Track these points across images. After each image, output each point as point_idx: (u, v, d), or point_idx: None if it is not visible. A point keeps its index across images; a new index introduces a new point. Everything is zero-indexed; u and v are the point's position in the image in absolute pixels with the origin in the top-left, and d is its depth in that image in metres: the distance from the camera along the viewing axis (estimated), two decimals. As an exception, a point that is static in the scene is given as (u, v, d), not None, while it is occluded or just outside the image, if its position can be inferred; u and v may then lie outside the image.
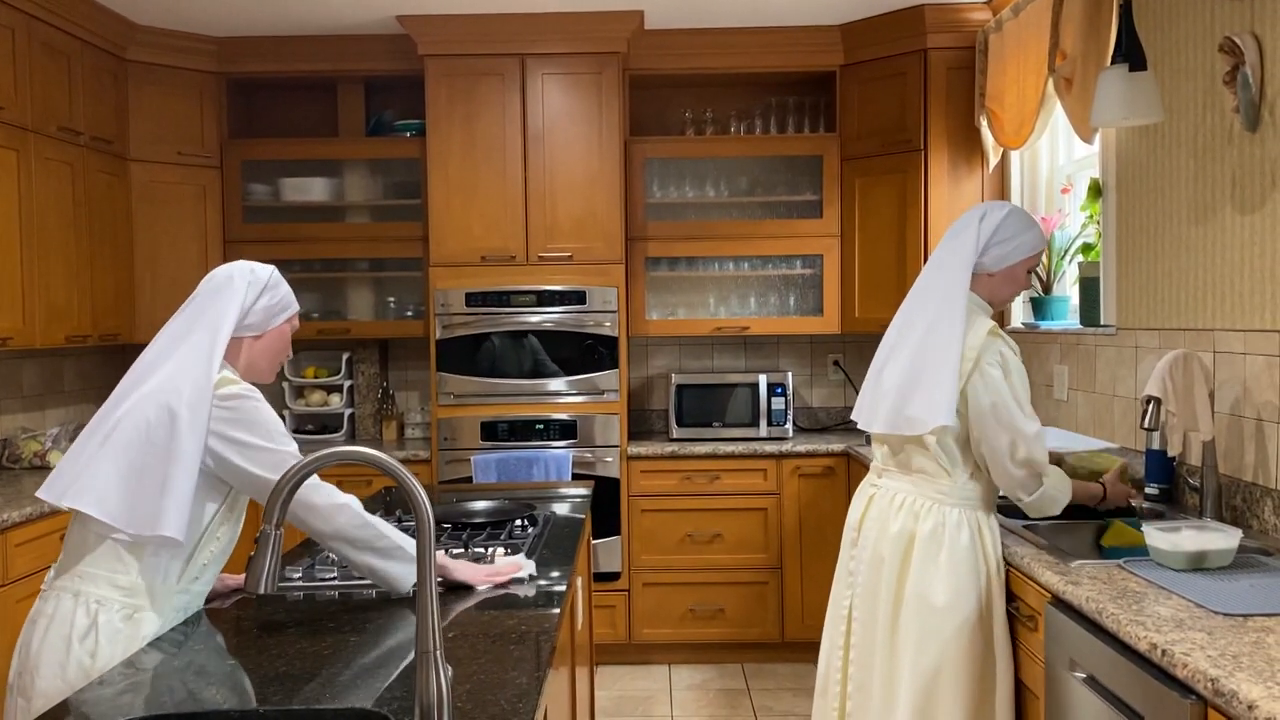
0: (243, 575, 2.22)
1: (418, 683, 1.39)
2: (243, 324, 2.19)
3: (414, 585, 2.10)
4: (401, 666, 1.77)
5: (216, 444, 2.05)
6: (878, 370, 2.73)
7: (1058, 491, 2.55)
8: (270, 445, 2.08)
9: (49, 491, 2.02)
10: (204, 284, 2.21)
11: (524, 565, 2.35)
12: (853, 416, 2.82)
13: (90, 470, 1.99)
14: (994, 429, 2.50)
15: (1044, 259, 3.91)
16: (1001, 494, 2.64)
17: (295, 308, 2.32)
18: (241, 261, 2.26)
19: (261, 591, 1.46)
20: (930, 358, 2.55)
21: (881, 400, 2.66)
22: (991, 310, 2.69)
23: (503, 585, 2.28)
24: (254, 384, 2.20)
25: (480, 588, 2.26)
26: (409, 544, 2.18)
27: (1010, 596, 2.54)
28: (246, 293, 2.19)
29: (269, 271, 2.27)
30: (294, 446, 2.12)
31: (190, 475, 1.99)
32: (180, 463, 1.98)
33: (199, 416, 2.01)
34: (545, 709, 1.90)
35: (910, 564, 2.55)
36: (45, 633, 1.98)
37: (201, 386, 2.04)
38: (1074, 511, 2.71)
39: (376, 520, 2.16)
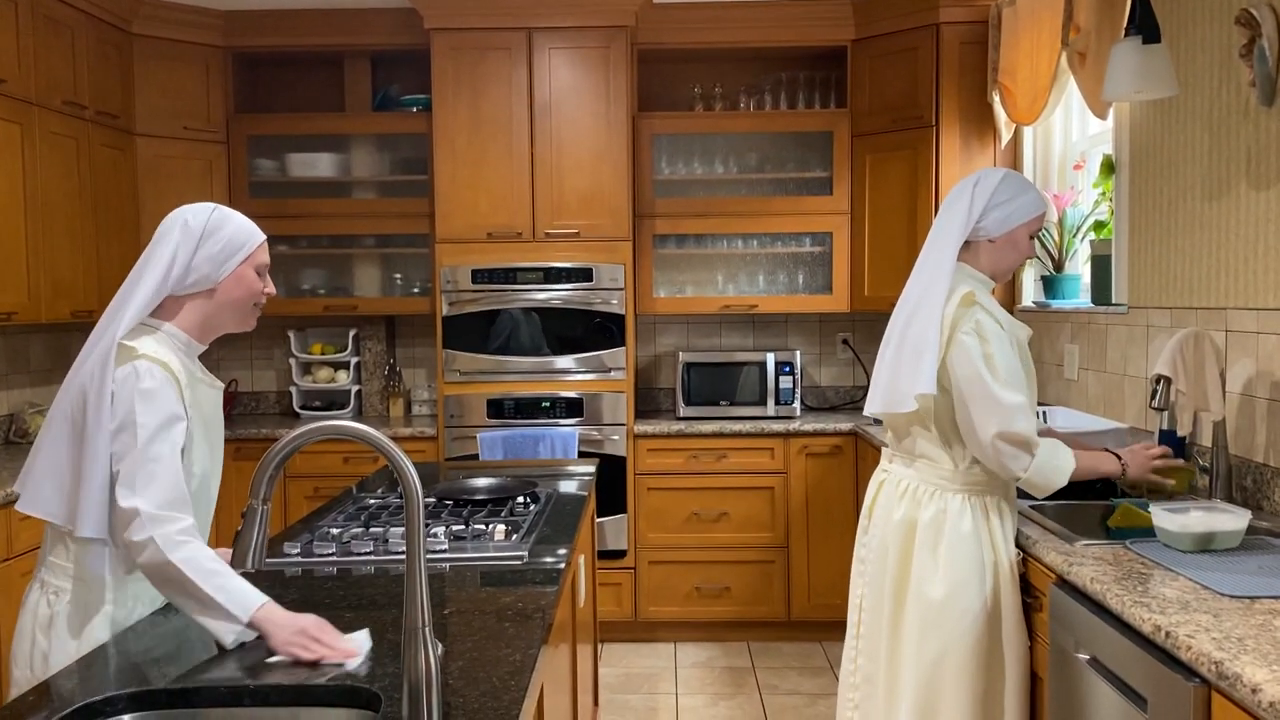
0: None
1: (405, 660, 1.38)
2: (184, 283, 2.00)
3: (236, 639, 1.78)
4: (395, 643, 1.76)
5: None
6: (880, 354, 2.67)
7: (1052, 470, 2.39)
8: (131, 432, 1.86)
9: (19, 484, 2.00)
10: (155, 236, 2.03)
11: (360, 650, 1.73)
12: (865, 407, 2.74)
13: (35, 463, 1.97)
14: (970, 401, 2.38)
15: (1054, 235, 3.86)
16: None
17: (251, 244, 2.06)
18: (184, 208, 2.05)
19: (248, 567, 1.45)
20: (914, 332, 2.47)
21: (879, 382, 2.61)
22: (993, 284, 2.57)
23: (313, 663, 1.69)
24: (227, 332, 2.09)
25: (277, 655, 1.73)
26: (228, 595, 1.78)
27: (1025, 586, 2.45)
28: (178, 249, 1.99)
29: (205, 216, 2.03)
30: (155, 449, 1.87)
31: (102, 468, 1.88)
32: (90, 455, 1.89)
33: (104, 400, 1.88)
34: (541, 685, 1.88)
35: (912, 553, 2.49)
36: (20, 621, 1.98)
37: (104, 365, 1.91)
38: (1086, 492, 2.65)
39: (195, 560, 1.81)
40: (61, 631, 1.93)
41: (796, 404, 4.84)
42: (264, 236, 2.12)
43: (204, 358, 2.16)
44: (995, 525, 2.46)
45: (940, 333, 2.43)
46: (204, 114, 4.81)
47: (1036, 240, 2.65)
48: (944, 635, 2.42)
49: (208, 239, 2.01)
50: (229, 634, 1.77)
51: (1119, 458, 2.56)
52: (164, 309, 2.01)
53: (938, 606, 2.42)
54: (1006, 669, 2.42)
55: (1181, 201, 3.06)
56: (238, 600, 1.77)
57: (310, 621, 1.74)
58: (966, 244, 2.54)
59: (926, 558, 2.46)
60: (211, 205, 2.08)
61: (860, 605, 2.67)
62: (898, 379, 2.50)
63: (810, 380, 5.29)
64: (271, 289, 2.14)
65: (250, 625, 1.76)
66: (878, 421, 4.50)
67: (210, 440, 2.08)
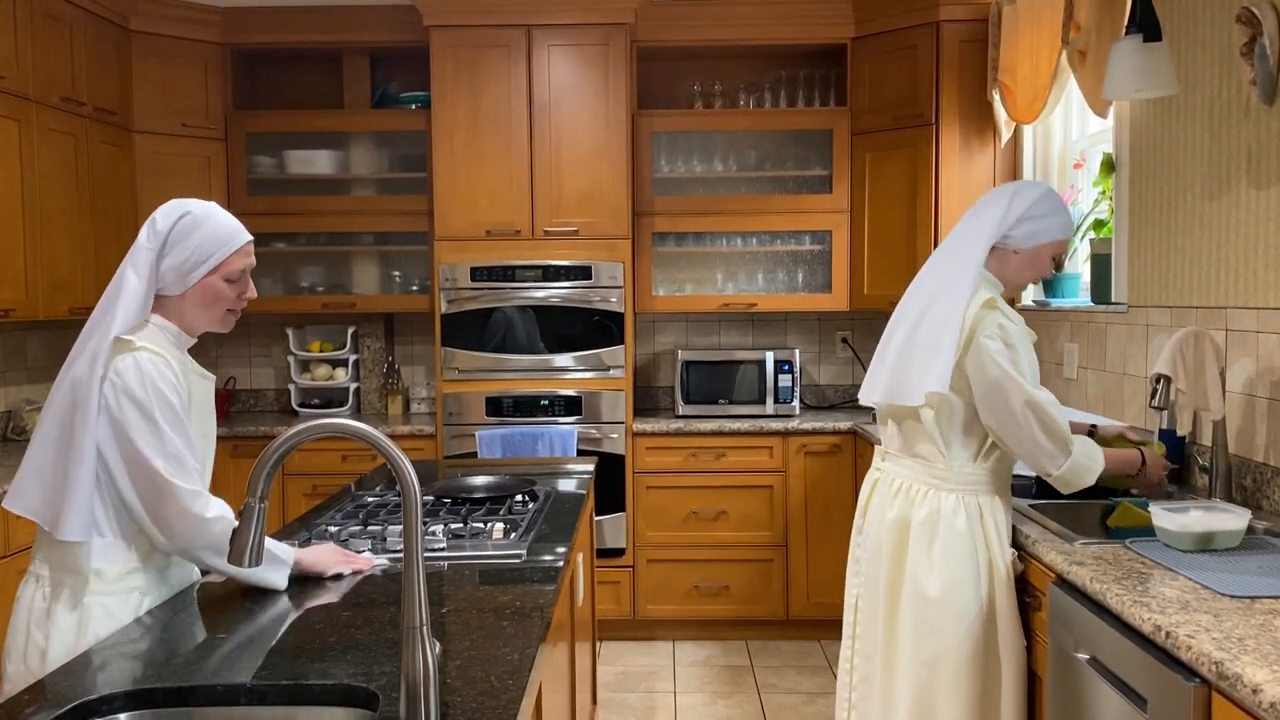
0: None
1: (404, 659, 1.37)
2: (160, 285, 1.99)
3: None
4: (393, 642, 1.75)
5: (106, 419, 1.91)
6: (884, 343, 2.66)
7: (1089, 459, 2.42)
8: (148, 423, 1.90)
9: (10, 484, 2.00)
10: None
11: (374, 560, 2.24)
12: (860, 394, 2.74)
13: (25, 461, 1.97)
14: (1004, 403, 2.39)
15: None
16: (1016, 473, 2.57)
17: (222, 253, 2.00)
18: (163, 205, 2.03)
19: (245, 565, 1.44)
20: (929, 328, 2.46)
21: (882, 371, 2.60)
22: (1003, 290, 2.57)
23: (358, 572, 2.16)
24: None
25: (330, 572, 2.13)
26: (274, 546, 2.05)
27: (1023, 584, 2.45)
28: (150, 253, 1.97)
29: (172, 221, 1.98)
30: (178, 432, 1.93)
31: (88, 470, 1.88)
32: (76, 457, 1.87)
33: (90, 401, 1.87)
34: (539, 685, 1.88)
35: (906, 552, 2.48)
36: (14, 616, 1.97)
37: (92, 366, 1.89)
38: (1084, 491, 2.65)
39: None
40: (57, 626, 1.92)
41: (795, 403, 4.83)
42: (243, 241, 2.06)
43: (203, 354, 2.19)
44: (990, 524, 2.45)
45: (960, 333, 2.42)
46: (202, 111, 4.80)
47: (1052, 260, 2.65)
48: (940, 636, 2.41)
49: (172, 248, 1.98)
50: (284, 580, 2.05)
51: (1142, 457, 2.59)
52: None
53: (933, 606, 2.42)
54: (1003, 669, 2.42)
55: (1182, 200, 3.05)
56: (282, 550, 2.06)
57: (332, 547, 2.18)
58: (991, 250, 2.54)
59: (921, 557, 2.45)
60: (184, 208, 2.02)
61: (856, 605, 2.66)
62: (906, 371, 2.49)
63: (809, 379, 5.29)
64: (251, 293, 2.10)
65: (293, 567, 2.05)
66: (874, 420, 4.50)
67: (204, 430, 2.09)
